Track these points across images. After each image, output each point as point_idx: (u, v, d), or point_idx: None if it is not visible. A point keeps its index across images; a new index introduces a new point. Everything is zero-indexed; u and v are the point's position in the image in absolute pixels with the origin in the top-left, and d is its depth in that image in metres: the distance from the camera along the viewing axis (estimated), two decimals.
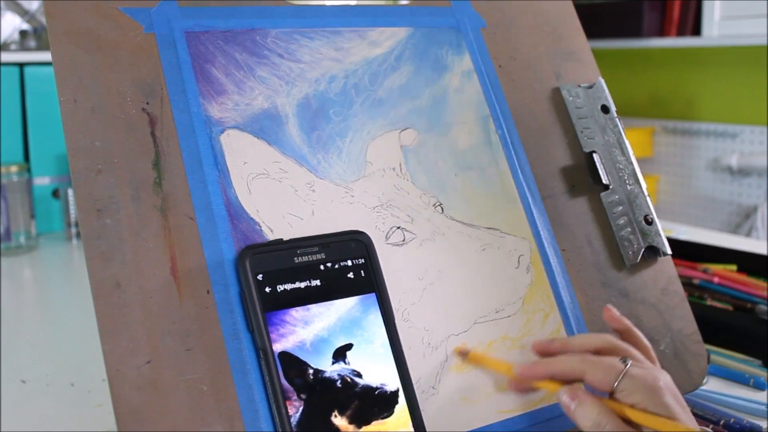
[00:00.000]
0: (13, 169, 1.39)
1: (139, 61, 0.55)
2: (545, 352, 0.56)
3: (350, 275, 0.53)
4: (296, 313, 0.50)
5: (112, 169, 0.52)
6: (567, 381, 0.53)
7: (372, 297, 0.53)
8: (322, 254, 0.52)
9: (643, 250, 0.68)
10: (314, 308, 0.51)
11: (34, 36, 1.89)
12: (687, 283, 0.94)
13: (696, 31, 2.43)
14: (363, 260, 0.54)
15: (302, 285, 0.51)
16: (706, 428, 0.49)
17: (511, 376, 0.55)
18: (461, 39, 0.69)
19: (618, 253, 0.67)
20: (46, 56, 1.63)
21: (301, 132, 0.59)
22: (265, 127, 0.57)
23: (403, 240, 0.59)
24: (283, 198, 0.56)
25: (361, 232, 0.55)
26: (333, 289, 0.52)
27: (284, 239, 0.53)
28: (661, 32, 2.51)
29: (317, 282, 0.52)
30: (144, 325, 0.48)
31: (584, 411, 0.50)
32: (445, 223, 0.61)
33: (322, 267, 0.52)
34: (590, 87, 0.73)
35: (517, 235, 0.63)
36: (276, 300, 0.50)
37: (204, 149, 0.55)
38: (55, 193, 1.52)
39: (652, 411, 0.49)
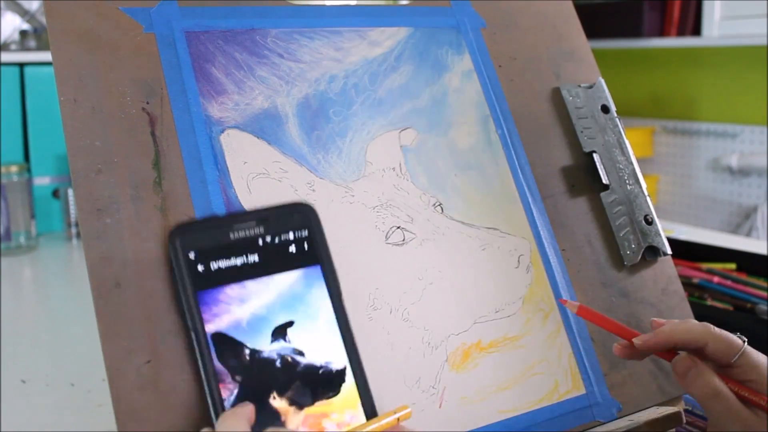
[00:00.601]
0: (13, 169, 1.39)
1: (139, 61, 0.55)
2: (653, 347, 0.54)
3: (292, 249, 0.49)
4: (231, 291, 0.47)
5: (112, 169, 0.52)
6: (685, 350, 0.52)
7: (316, 270, 0.50)
8: (260, 228, 0.49)
9: (643, 250, 0.68)
10: (251, 284, 0.48)
11: (34, 36, 1.89)
12: (687, 283, 0.94)
13: (696, 31, 2.43)
14: (306, 232, 0.50)
15: (238, 261, 0.48)
16: None
17: (630, 340, 0.54)
18: (461, 39, 0.69)
19: (618, 253, 0.67)
20: (46, 56, 1.63)
21: (301, 132, 0.59)
22: (265, 126, 0.57)
23: (403, 240, 0.59)
24: (283, 198, 0.56)
25: (304, 204, 0.51)
26: (273, 264, 0.49)
27: (221, 215, 0.51)
28: (661, 32, 2.51)
29: (255, 257, 0.48)
30: (144, 325, 0.48)
31: (703, 379, 0.50)
32: (445, 223, 0.61)
33: (260, 241, 0.49)
34: (590, 87, 0.72)
35: (517, 234, 0.63)
36: (209, 278, 0.47)
37: (204, 149, 0.55)
38: (55, 193, 1.52)
39: (763, 391, 0.49)
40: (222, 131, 0.56)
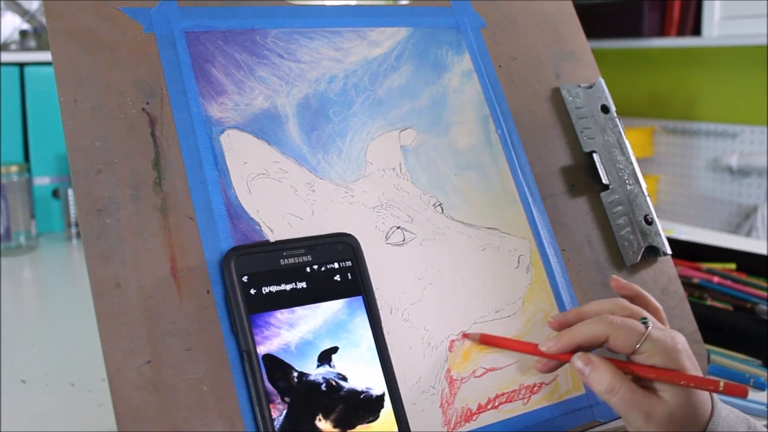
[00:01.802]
0: (13, 169, 1.39)
1: (139, 61, 0.55)
2: (563, 324, 0.56)
3: (337, 278, 0.52)
4: (281, 315, 0.50)
5: (112, 169, 0.52)
6: (590, 348, 0.53)
7: (359, 300, 0.53)
8: (309, 256, 0.52)
9: (643, 250, 0.68)
10: (299, 311, 0.50)
11: (34, 36, 1.89)
12: (687, 283, 0.94)
13: (696, 31, 2.43)
14: (350, 263, 0.53)
15: (288, 287, 0.51)
16: (718, 379, 0.49)
17: (537, 354, 0.55)
18: (461, 39, 0.69)
19: (618, 253, 0.67)
20: (46, 56, 1.63)
21: (301, 132, 0.59)
22: (265, 127, 0.57)
23: (403, 240, 0.59)
24: (283, 198, 0.56)
25: (349, 235, 0.54)
26: (319, 291, 0.52)
27: (271, 240, 0.53)
28: (661, 32, 2.51)
29: (303, 284, 0.51)
30: (144, 325, 0.48)
31: (598, 375, 0.50)
32: (445, 223, 0.61)
33: (308, 269, 0.52)
34: (590, 87, 0.73)
35: (517, 235, 0.63)
36: (261, 302, 0.50)
37: (204, 149, 0.55)
38: (55, 193, 1.52)
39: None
40: (222, 131, 0.56)
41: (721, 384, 0.48)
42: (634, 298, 0.57)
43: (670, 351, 0.50)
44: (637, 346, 0.50)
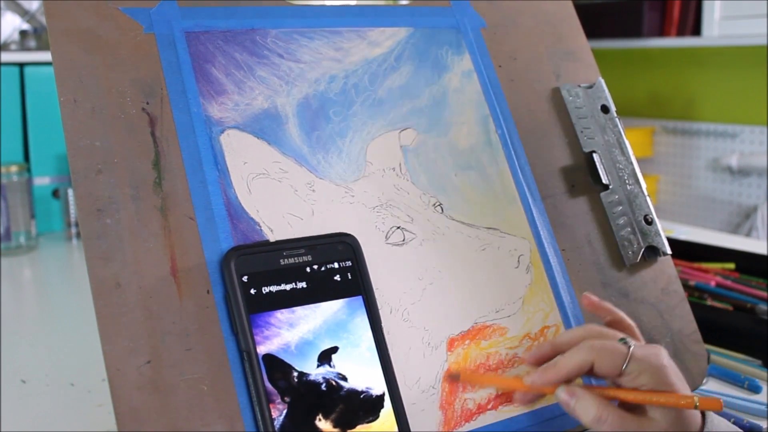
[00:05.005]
0: (13, 169, 1.39)
1: (139, 61, 0.55)
2: (540, 359, 0.55)
3: (337, 278, 0.52)
4: (281, 315, 0.50)
5: (112, 169, 0.52)
6: (576, 377, 0.52)
7: (359, 300, 0.53)
8: (309, 256, 0.52)
9: (643, 250, 0.68)
10: (299, 310, 0.50)
11: (34, 36, 1.89)
12: (686, 283, 0.94)
13: (696, 31, 2.43)
14: (350, 263, 0.53)
15: (288, 287, 0.51)
16: (693, 395, 0.49)
17: (522, 389, 0.54)
18: (461, 39, 0.69)
19: (618, 253, 0.67)
20: (46, 56, 1.63)
21: (301, 132, 0.59)
22: (265, 127, 0.57)
23: (403, 240, 0.59)
24: (283, 198, 0.56)
25: (349, 235, 0.54)
26: (319, 291, 0.52)
27: (271, 240, 0.53)
28: (661, 32, 2.51)
29: (303, 284, 0.51)
30: (144, 325, 0.48)
31: (584, 407, 0.50)
32: (445, 223, 0.61)
33: (308, 269, 0.52)
34: (590, 87, 0.73)
35: (517, 235, 0.63)
36: (261, 302, 0.50)
37: (204, 149, 0.55)
38: (55, 193, 1.52)
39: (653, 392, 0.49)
40: (222, 131, 0.56)
41: (696, 400, 0.48)
42: (607, 317, 0.57)
43: (655, 368, 0.49)
44: (624, 367, 0.50)
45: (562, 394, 0.51)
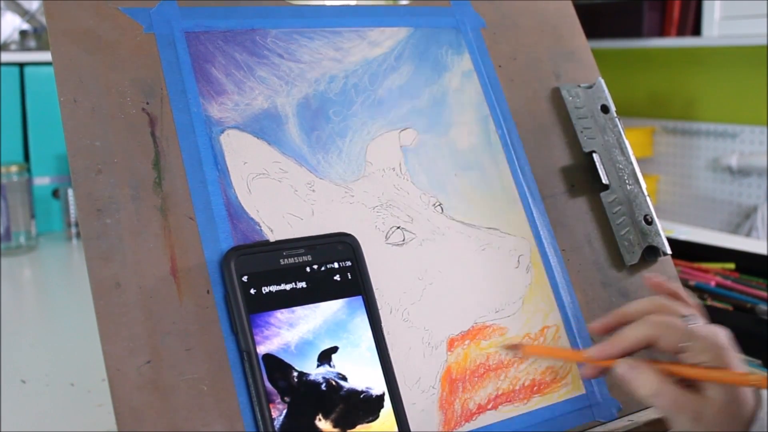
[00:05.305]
0: (13, 169, 1.39)
1: (139, 61, 0.55)
2: (606, 328, 0.55)
3: (337, 278, 0.52)
4: (281, 315, 0.50)
5: (112, 169, 0.52)
6: (637, 351, 0.52)
7: (359, 300, 0.53)
8: (309, 256, 0.52)
9: (643, 250, 0.68)
10: (299, 310, 0.51)
11: (34, 36, 1.89)
12: (686, 284, 0.94)
13: (696, 31, 2.43)
14: (350, 263, 0.53)
15: (288, 287, 0.51)
16: (763, 374, 0.49)
17: (582, 361, 0.54)
18: (461, 39, 0.69)
19: (618, 253, 0.67)
20: (46, 56, 1.63)
21: (300, 132, 0.59)
22: (265, 127, 0.57)
23: (403, 240, 0.59)
24: (283, 198, 0.56)
25: (349, 235, 0.54)
26: (319, 291, 0.52)
27: (271, 240, 0.53)
28: (661, 32, 2.51)
29: (303, 284, 0.51)
30: (144, 325, 0.48)
31: (643, 380, 0.49)
32: (445, 223, 0.61)
33: (308, 269, 0.52)
34: (590, 87, 0.73)
35: (517, 235, 0.63)
36: (261, 302, 0.50)
37: (204, 149, 0.55)
38: (55, 193, 1.52)
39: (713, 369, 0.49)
40: (222, 131, 0.56)
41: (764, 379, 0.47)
42: (670, 296, 0.56)
43: (716, 348, 0.49)
44: (683, 344, 0.49)
45: (622, 367, 0.50)
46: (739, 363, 0.50)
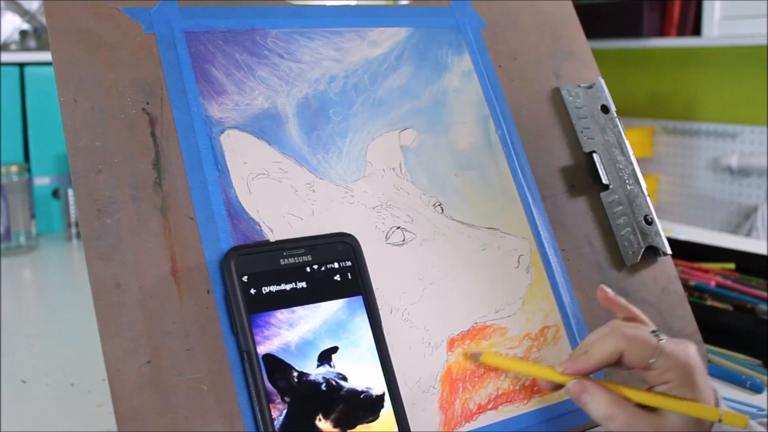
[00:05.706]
0: (13, 169, 1.39)
1: (139, 61, 0.55)
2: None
3: (337, 278, 0.52)
4: (281, 315, 0.50)
5: (112, 169, 0.52)
6: (606, 367, 0.51)
7: (359, 300, 0.53)
8: (309, 256, 0.52)
9: (643, 250, 0.68)
10: (300, 310, 0.51)
11: (34, 36, 1.89)
12: (686, 284, 0.94)
13: (696, 31, 2.43)
14: (350, 263, 0.53)
15: (288, 287, 0.51)
16: (723, 408, 0.48)
17: (554, 379, 0.52)
18: (461, 39, 0.69)
19: (618, 253, 0.67)
20: (46, 56, 1.63)
21: (301, 132, 0.59)
22: (265, 127, 0.57)
23: (403, 240, 0.59)
24: (283, 198, 0.56)
25: (349, 235, 0.54)
26: (319, 291, 0.52)
27: (271, 240, 0.53)
28: (661, 32, 2.51)
29: (303, 284, 0.51)
30: (144, 325, 0.48)
31: (595, 403, 0.49)
32: (445, 223, 0.61)
33: (308, 269, 0.52)
34: (590, 87, 0.73)
35: (517, 235, 0.63)
36: (261, 302, 0.50)
37: (204, 149, 0.55)
38: (55, 193, 1.52)
39: (681, 391, 0.48)
40: (222, 131, 0.56)
41: (721, 414, 0.47)
42: (620, 313, 0.55)
43: (683, 367, 0.48)
44: (651, 360, 0.48)
45: (575, 388, 0.50)
46: (704, 382, 0.49)
